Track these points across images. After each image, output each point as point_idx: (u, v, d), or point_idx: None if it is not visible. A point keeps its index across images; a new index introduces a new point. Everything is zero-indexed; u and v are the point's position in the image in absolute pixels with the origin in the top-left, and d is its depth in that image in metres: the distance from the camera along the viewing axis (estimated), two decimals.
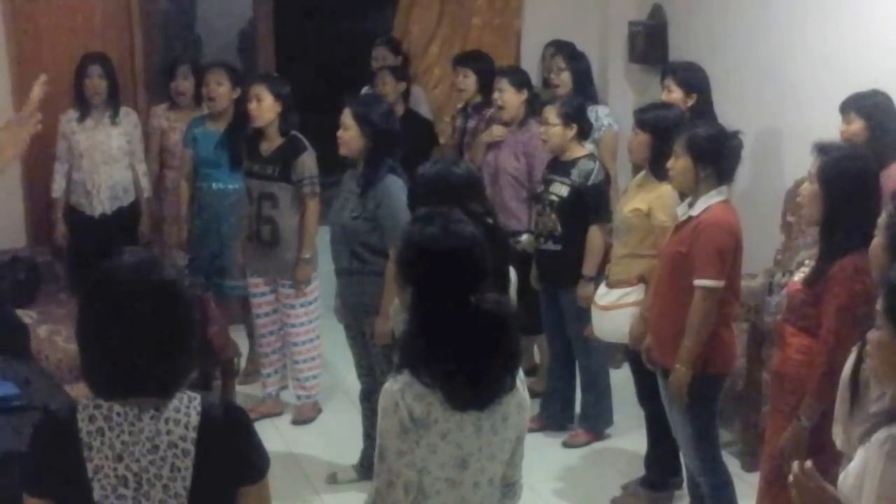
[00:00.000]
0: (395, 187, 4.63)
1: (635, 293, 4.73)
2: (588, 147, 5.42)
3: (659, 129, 4.57)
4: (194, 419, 2.25)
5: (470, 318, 2.55)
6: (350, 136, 4.77)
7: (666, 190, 4.56)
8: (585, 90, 6.13)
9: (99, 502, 2.21)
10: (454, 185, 3.69)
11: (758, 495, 3.94)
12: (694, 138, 4.14)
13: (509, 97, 5.74)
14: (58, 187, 6.26)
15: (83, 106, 6.15)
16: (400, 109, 6.28)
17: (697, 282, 4.08)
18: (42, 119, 3.93)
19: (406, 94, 6.64)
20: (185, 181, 6.11)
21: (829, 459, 3.15)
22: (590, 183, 5.19)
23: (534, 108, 5.68)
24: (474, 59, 6.34)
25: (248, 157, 5.56)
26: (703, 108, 5.50)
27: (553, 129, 5.21)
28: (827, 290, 3.58)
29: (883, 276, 2.69)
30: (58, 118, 6.03)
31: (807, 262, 3.76)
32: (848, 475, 2.51)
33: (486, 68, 6.20)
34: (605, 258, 5.07)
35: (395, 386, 2.58)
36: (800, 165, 4.21)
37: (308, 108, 5.88)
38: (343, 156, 4.86)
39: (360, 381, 5.06)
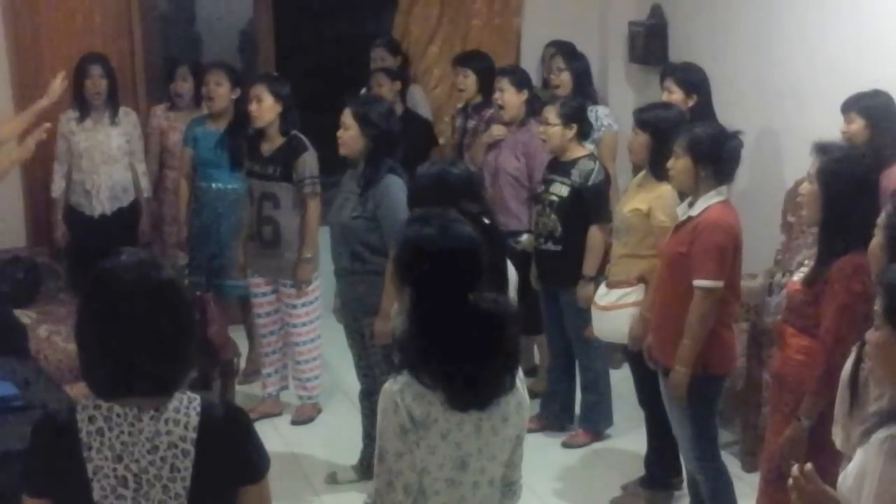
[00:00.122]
0: (396, 187, 4.63)
1: (635, 293, 4.72)
2: (588, 147, 5.42)
3: (659, 130, 4.57)
4: (194, 419, 2.25)
5: (468, 318, 2.55)
6: (350, 136, 4.77)
7: (666, 190, 4.56)
8: (585, 90, 6.14)
9: (98, 502, 2.21)
10: (452, 186, 3.69)
11: (758, 495, 3.94)
12: (694, 138, 4.14)
13: (510, 97, 5.74)
14: (57, 187, 6.26)
15: (83, 106, 6.15)
16: (398, 110, 6.28)
17: (697, 282, 4.08)
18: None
19: (403, 95, 6.63)
20: (184, 181, 6.12)
21: (828, 460, 3.15)
22: (590, 183, 5.18)
23: (534, 108, 5.68)
24: (474, 59, 6.34)
25: (249, 158, 5.56)
26: (704, 109, 5.50)
27: (553, 129, 5.21)
28: (826, 289, 3.58)
29: (881, 276, 2.69)
30: (57, 118, 6.03)
31: (806, 262, 3.76)
32: (847, 476, 2.51)
33: (486, 68, 6.20)
34: (605, 258, 5.07)
35: (394, 386, 2.57)
36: (800, 165, 4.20)
37: (308, 108, 5.88)
38: (343, 156, 4.86)
39: (360, 381, 5.06)
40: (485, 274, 2.65)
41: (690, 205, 4.19)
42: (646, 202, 4.67)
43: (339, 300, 4.98)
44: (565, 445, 5.48)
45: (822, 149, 3.65)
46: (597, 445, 5.50)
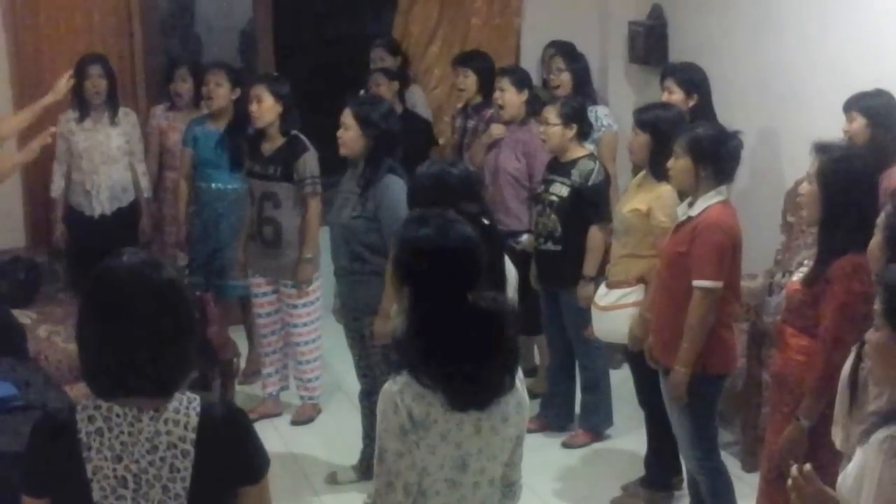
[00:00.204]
0: (396, 187, 4.63)
1: (635, 294, 4.72)
2: (588, 147, 5.42)
3: (659, 130, 4.57)
4: (194, 420, 2.25)
5: (467, 317, 2.54)
6: (350, 136, 4.77)
7: (666, 190, 4.56)
8: (585, 90, 6.13)
9: (98, 503, 2.21)
10: (452, 186, 3.70)
11: (758, 495, 3.94)
12: (694, 138, 4.14)
13: (510, 97, 5.74)
14: (56, 188, 6.25)
15: (82, 106, 6.14)
16: (397, 109, 6.27)
17: (696, 282, 4.08)
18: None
19: (401, 95, 6.63)
20: (183, 181, 6.12)
21: (828, 460, 3.15)
22: (590, 183, 5.18)
23: (534, 108, 5.68)
24: (474, 59, 6.34)
25: (250, 158, 5.56)
26: (704, 109, 5.50)
27: (553, 129, 5.21)
28: (826, 289, 3.57)
29: (881, 276, 2.69)
30: (57, 119, 6.03)
31: (806, 262, 3.76)
32: (847, 476, 2.51)
33: (486, 68, 6.19)
34: (605, 258, 5.07)
35: (394, 387, 2.57)
36: (800, 165, 4.20)
37: (308, 108, 5.88)
38: (343, 156, 4.86)
39: (360, 382, 5.06)
40: (483, 274, 2.65)
41: (690, 205, 4.19)
42: (645, 202, 4.67)
43: (338, 300, 4.98)
44: (565, 445, 5.48)
45: (821, 148, 3.65)
46: (597, 445, 5.50)
